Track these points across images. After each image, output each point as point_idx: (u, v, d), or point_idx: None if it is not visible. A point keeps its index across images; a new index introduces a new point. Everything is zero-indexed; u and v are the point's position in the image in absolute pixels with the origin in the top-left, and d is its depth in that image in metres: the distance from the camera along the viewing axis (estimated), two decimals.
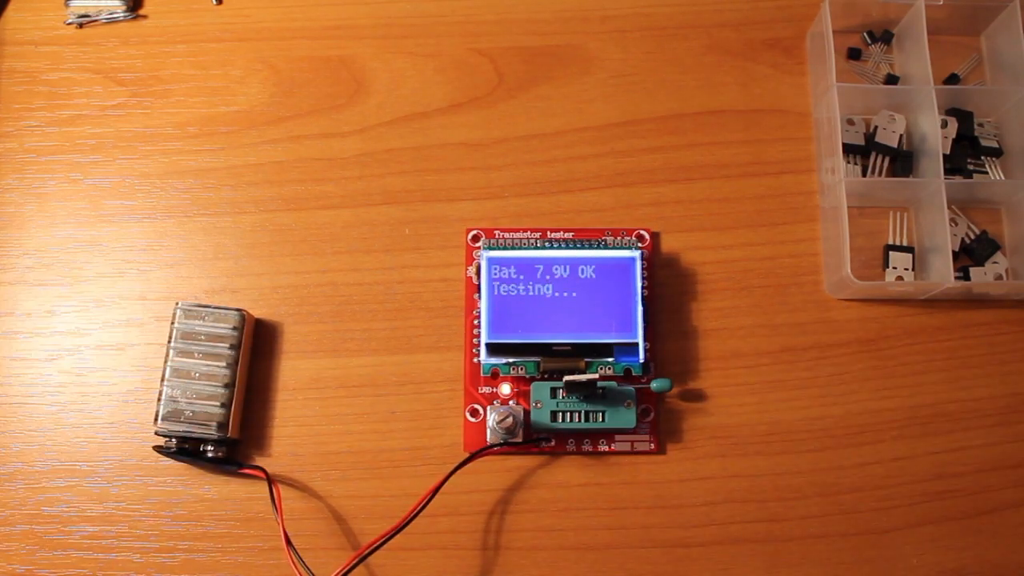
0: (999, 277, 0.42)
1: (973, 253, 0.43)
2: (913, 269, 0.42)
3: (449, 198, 0.43)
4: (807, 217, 0.43)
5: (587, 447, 0.40)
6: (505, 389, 0.40)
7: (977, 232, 0.43)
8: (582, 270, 0.40)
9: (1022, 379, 0.41)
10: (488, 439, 0.39)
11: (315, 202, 0.43)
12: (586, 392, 0.39)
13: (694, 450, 0.40)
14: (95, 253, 0.43)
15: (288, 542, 0.36)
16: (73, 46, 0.46)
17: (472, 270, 0.42)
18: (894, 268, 0.42)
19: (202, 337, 0.39)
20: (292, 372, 0.41)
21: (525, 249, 0.40)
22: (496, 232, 0.42)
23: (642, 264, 0.40)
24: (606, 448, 0.40)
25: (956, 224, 0.43)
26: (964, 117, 0.44)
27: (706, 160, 0.44)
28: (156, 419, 0.38)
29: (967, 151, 0.44)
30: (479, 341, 0.40)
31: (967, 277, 0.42)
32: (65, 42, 0.46)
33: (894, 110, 0.44)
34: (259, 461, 0.40)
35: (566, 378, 0.38)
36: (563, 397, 0.39)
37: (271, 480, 0.38)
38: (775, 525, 0.39)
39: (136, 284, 0.42)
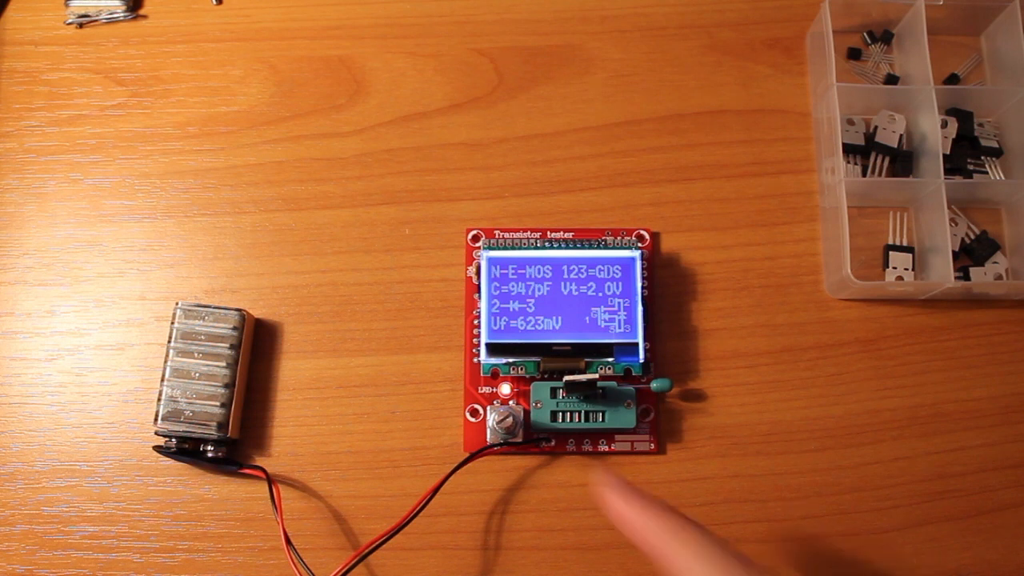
0: (999, 277, 0.42)
1: (973, 253, 0.43)
2: (913, 269, 0.42)
3: (449, 198, 0.43)
4: (807, 217, 0.43)
5: (587, 447, 0.40)
6: (505, 389, 0.40)
7: (977, 232, 0.43)
8: (582, 270, 0.40)
9: (1022, 379, 0.41)
10: (488, 439, 0.39)
11: (315, 202, 0.43)
12: (586, 392, 0.39)
13: (694, 450, 0.40)
14: (95, 253, 0.43)
15: (288, 542, 0.37)
16: (73, 46, 0.46)
17: (472, 270, 0.42)
18: (894, 268, 0.42)
19: (202, 337, 0.39)
20: (292, 372, 0.41)
21: (525, 249, 0.40)
22: (496, 232, 0.42)
23: (642, 264, 0.40)
24: (606, 448, 0.40)
25: (956, 224, 0.43)
26: (964, 117, 0.44)
27: (706, 160, 0.44)
28: (156, 419, 0.38)
29: (967, 151, 0.44)
30: (479, 341, 0.40)
31: (967, 277, 0.42)
32: (65, 42, 0.46)
33: (894, 110, 0.44)
34: (259, 461, 0.40)
35: (566, 378, 0.38)
36: (563, 397, 0.39)
37: (271, 480, 0.38)
38: (775, 525, 0.39)
39: (136, 284, 0.42)
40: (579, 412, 0.39)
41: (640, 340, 0.39)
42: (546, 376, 0.40)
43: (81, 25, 0.46)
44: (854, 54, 0.46)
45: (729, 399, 0.41)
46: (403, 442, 0.40)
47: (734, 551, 0.27)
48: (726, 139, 0.44)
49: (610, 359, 0.39)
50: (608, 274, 0.40)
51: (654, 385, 0.39)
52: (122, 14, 0.46)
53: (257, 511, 0.39)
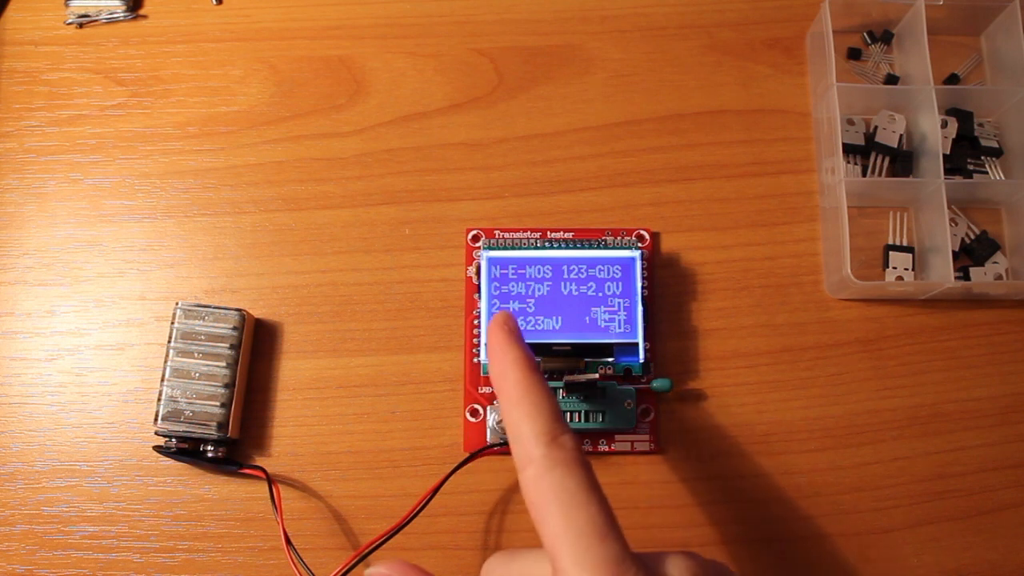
0: (999, 277, 0.42)
1: (973, 253, 0.43)
2: (913, 269, 0.42)
3: (449, 198, 0.43)
4: (807, 217, 0.43)
5: (587, 447, 0.40)
6: None
7: (977, 232, 0.43)
8: (582, 270, 0.40)
9: (1022, 379, 0.41)
10: (488, 439, 0.39)
11: (315, 202, 0.43)
12: (586, 392, 0.39)
13: (694, 450, 0.40)
14: (95, 253, 0.43)
15: (288, 542, 0.37)
16: (73, 46, 0.46)
17: (472, 270, 0.42)
18: (894, 268, 0.42)
19: (202, 337, 0.39)
20: (292, 372, 0.41)
21: (525, 249, 0.40)
22: (496, 232, 0.42)
23: (642, 264, 0.40)
24: (606, 448, 0.40)
25: (956, 224, 0.43)
26: (964, 117, 0.44)
27: (706, 160, 0.44)
28: (156, 419, 0.38)
29: (967, 151, 0.44)
30: (479, 341, 0.40)
31: (967, 277, 0.42)
32: (65, 42, 0.46)
33: (894, 110, 0.44)
34: (259, 461, 0.40)
35: (566, 378, 0.38)
36: (563, 397, 0.39)
37: (271, 480, 0.38)
38: (775, 525, 0.39)
39: (136, 284, 0.42)
40: (579, 412, 0.39)
41: (640, 340, 0.39)
42: (546, 376, 0.39)
43: (81, 25, 0.46)
44: (854, 54, 0.46)
45: (729, 399, 0.41)
46: (403, 442, 0.40)
47: (567, 432, 0.28)
48: (726, 139, 0.44)
49: (610, 359, 0.39)
50: (608, 274, 0.40)
51: (654, 385, 0.39)
52: (122, 14, 0.46)
53: (257, 511, 0.39)
